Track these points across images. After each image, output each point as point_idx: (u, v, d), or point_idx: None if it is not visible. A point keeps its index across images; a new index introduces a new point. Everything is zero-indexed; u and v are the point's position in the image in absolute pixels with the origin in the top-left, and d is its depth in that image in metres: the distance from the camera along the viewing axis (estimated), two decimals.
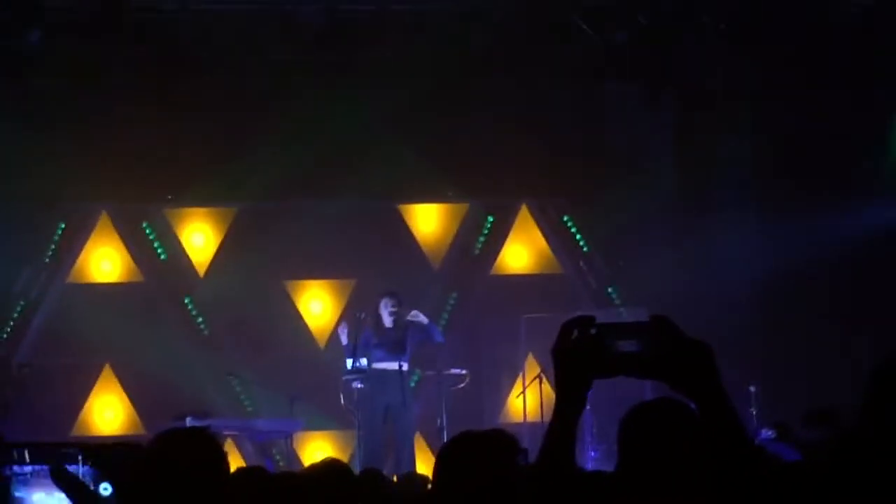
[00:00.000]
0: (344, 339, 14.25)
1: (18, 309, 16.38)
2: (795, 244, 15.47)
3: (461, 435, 4.57)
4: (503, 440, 4.66)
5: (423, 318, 14.31)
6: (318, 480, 4.37)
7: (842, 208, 15.63)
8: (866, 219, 15.74)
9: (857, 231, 15.59)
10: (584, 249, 17.61)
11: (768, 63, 16.05)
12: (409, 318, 14.23)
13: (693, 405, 3.28)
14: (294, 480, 4.64)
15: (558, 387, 3.23)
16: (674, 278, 15.74)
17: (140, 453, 4.10)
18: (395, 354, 14.13)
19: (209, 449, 3.92)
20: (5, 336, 16.13)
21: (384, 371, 14.11)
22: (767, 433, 9.09)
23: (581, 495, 3.42)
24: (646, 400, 4.15)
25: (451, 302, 17.28)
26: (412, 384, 15.24)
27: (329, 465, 4.56)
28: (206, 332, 16.77)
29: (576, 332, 3.20)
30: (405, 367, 14.18)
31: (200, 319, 16.79)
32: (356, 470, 12.70)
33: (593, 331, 3.19)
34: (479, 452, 4.26)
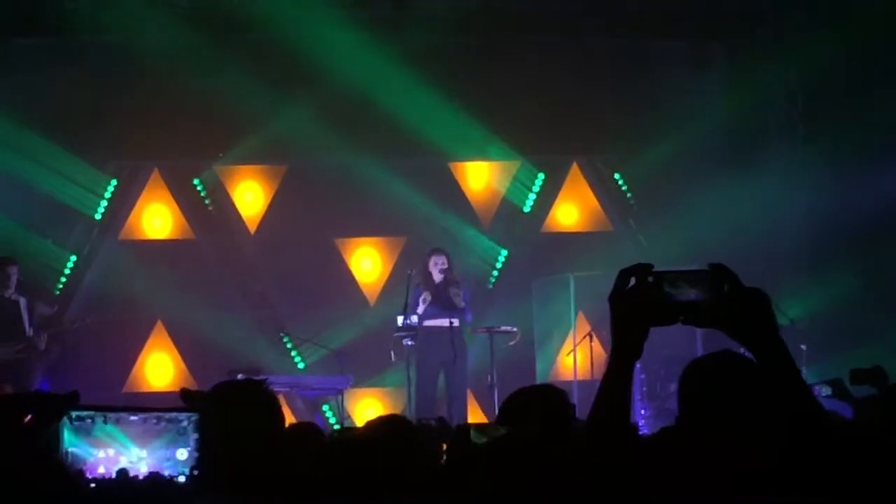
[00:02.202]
0: (420, 307, 14.21)
1: (70, 266, 16.48)
2: (848, 197, 15.31)
3: (520, 389, 4.55)
4: (556, 393, 4.63)
5: (460, 302, 14.30)
6: (379, 437, 4.29)
7: None
8: None
9: None
10: (635, 207, 17.56)
11: (819, 12, 15.83)
12: (451, 294, 14.22)
13: (752, 356, 3.25)
14: (355, 435, 4.58)
15: (614, 335, 3.20)
16: (726, 235, 15.64)
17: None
18: (446, 311, 14.14)
19: (264, 399, 3.94)
20: (58, 293, 16.21)
21: (435, 328, 14.12)
22: (822, 390, 9.00)
23: (637, 449, 3.39)
24: (707, 353, 4.09)
25: (502, 259, 17.27)
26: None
27: (390, 421, 4.49)
28: (256, 289, 16.82)
29: (633, 280, 3.17)
30: (455, 323, 14.18)
31: (252, 276, 16.85)
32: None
33: (651, 278, 3.15)
34: (539, 404, 4.22)
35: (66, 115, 15.61)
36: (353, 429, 4.58)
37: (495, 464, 3.48)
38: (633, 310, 3.16)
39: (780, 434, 3.23)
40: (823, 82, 15.87)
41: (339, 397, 14.52)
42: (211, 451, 3.82)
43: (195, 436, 3.61)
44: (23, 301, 14.08)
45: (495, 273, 17.17)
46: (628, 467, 3.23)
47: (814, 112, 16.36)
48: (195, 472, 3.49)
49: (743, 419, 3.56)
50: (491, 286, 16.98)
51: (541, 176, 17.59)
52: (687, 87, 16.80)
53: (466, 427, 3.58)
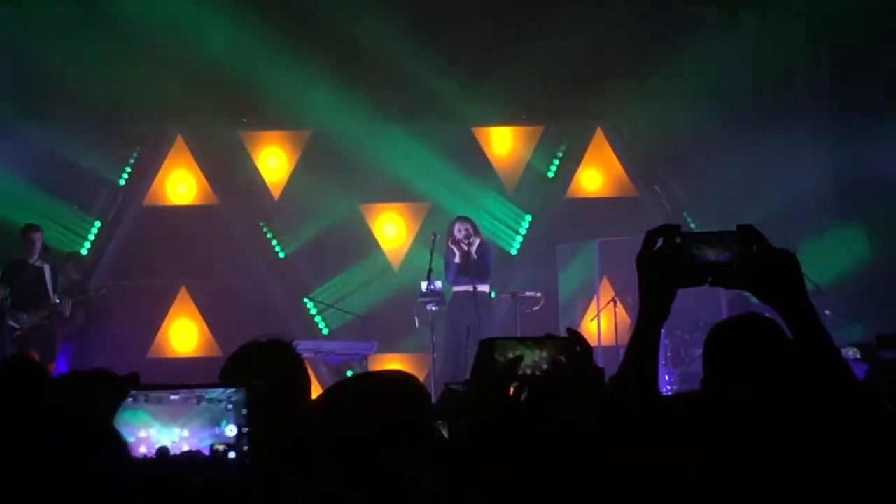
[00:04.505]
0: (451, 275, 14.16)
1: (95, 232, 16.51)
2: (873, 165, 15.24)
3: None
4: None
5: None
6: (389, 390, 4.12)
7: None
8: None
9: None
10: (659, 173, 17.50)
11: None
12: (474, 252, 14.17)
13: (779, 319, 3.22)
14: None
15: (642, 296, 3.17)
16: (751, 202, 15.59)
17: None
18: (469, 277, 14.10)
19: (289, 358, 3.91)
20: (82, 259, 16.23)
21: (459, 293, 14.09)
22: (849, 352, 8.94)
23: (663, 412, 3.36)
24: (733, 315, 4.03)
25: (526, 225, 17.24)
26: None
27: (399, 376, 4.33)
28: (280, 255, 16.84)
29: (660, 241, 3.14)
30: (481, 289, 14.15)
31: (275, 242, 16.86)
32: (431, 390, 12.75)
33: (678, 239, 3.12)
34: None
35: (90, 82, 15.59)
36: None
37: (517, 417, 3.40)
38: (661, 271, 3.13)
39: (805, 395, 3.20)
40: (852, 46, 15.77)
41: (364, 363, 14.52)
42: (259, 425, 3.73)
43: (243, 411, 3.52)
44: (47, 268, 14.09)
45: (519, 238, 17.14)
46: (651, 426, 3.20)
47: (842, 76, 16.25)
48: (245, 449, 3.40)
49: (768, 381, 3.52)
50: (515, 252, 16.96)
51: (565, 142, 17.55)
52: (714, 52, 16.69)
53: (490, 342, 3.43)
